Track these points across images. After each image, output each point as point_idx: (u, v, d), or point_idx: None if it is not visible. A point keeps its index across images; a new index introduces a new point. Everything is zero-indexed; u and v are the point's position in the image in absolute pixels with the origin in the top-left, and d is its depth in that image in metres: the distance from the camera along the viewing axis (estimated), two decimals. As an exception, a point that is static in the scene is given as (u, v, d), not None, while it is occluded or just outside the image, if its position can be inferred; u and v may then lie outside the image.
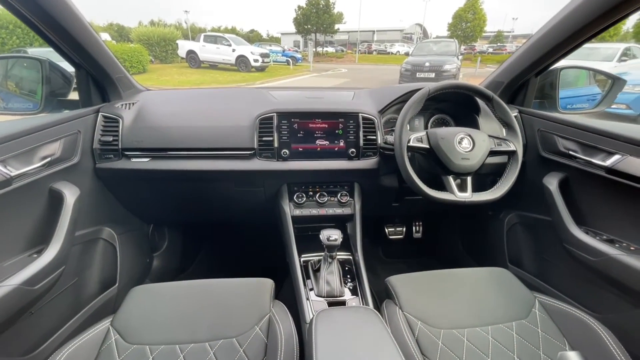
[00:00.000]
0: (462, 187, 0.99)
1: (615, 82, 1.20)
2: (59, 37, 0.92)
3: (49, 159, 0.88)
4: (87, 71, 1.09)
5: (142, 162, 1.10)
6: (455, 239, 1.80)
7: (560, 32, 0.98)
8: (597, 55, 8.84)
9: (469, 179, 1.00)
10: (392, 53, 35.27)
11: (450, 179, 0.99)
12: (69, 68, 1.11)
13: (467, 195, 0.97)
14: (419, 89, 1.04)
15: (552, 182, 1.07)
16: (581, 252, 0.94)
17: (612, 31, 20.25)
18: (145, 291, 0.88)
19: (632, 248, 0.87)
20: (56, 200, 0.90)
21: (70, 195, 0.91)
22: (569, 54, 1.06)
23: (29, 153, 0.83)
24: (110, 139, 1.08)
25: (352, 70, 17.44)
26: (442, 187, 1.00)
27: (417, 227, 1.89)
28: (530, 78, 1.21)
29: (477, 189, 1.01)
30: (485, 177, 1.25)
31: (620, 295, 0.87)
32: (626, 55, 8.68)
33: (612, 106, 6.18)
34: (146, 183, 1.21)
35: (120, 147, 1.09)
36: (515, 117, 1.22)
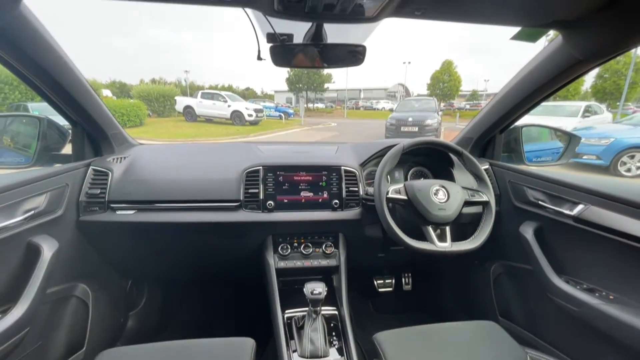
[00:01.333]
0: (441, 237, 1.02)
1: (571, 139, 1.33)
2: (57, 95, 0.99)
3: (32, 212, 0.88)
4: (83, 127, 1.15)
5: (127, 215, 1.10)
6: (445, 291, 1.76)
7: (514, 95, 1.11)
8: (562, 111, 9.75)
9: (447, 228, 1.03)
10: (378, 109, 37.94)
11: (430, 229, 1.02)
12: (63, 121, 1.17)
13: (447, 245, 0.99)
14: (396, 145, 1.12)
15: (527, 231, 1.12)
16: (564, 302, 0.95)
17: (573, 91, 22.56)
18: (114, 356, 0.82)
19: (611, 297, 0.88)
20: (33, 254, 0.88)
21: (48, 249, 0.89)
22: (525, 113, 1.19)
23: (12, 206, 0.84)
24: (98, 191, 1.10)
25: (341, 125, 18.48)
26: (423, 237, 1.02)
27: (407, 279, 1.85)
28: (495, 134, 1.34)
29: (458, 238, 1.04)
30: (466, 227, 1.29)
31: (607, 346, 0.86)
32: (588, 111, 9.60)
33: (584, 157, 6.65)
34: (130, 236, 1.19)
35: (107, 199, 1.10)
36: (487, 169, 1.31)
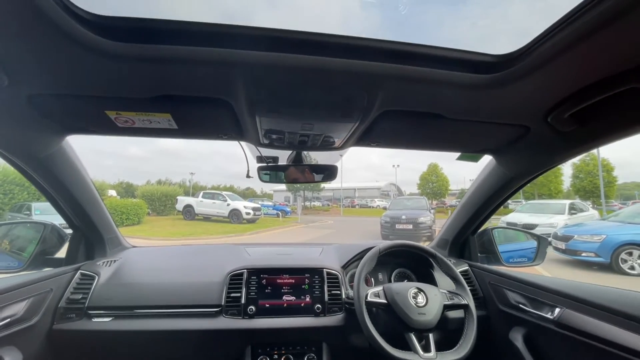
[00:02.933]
0: (426, 347, 0.98)
1: (540, 240, 1.42)
2: (67, 203, 1.11)
3: (7, 321, 0.87)
4: (82, 232, 1.23)
5: (103, 322, 1.07)
6: None
7: (472, 204, 1.26)
8: (549, 209, 10.16)
9: (430, 336, 1.00)
10: (373, 207, 39.20)
11: (413, 337, 0.99)
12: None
13: (431, 356, 0.94)
14: (374, 247, 1.20)
15: (517, 338, 1.08)
16: None
17: (554, 189, 23.92)
18: None
19: None
20: None
21: None
22: (487, 219, 1.32)
23: None
24: (80, 296, 1.10)
25: (338, 222, 18.73)
26: (408, 346, 0.98)
27: None
28: (468, 236, 1.43)
29: (448, 347, 0.99)
30: (453, 334, 1.24)
31: None
32: (574, 209, 10.00)
33: (583, 254, 6.57)
34: (101, 347, 1.12)
35: (86, 305, 1.09)
36: (466, 271, 1.35)
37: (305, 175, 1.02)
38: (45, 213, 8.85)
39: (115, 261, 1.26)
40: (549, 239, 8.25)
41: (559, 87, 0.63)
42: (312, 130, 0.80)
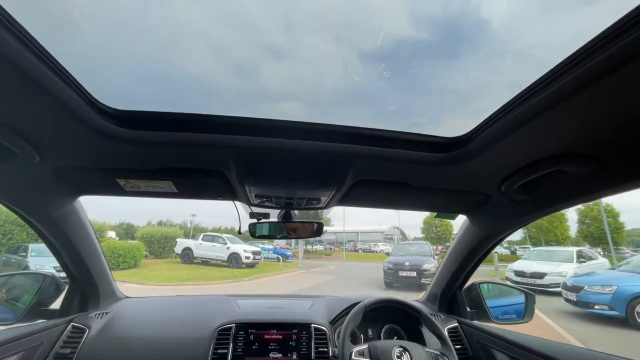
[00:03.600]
0: None
1: (527, 296, 1.42)
2: (68, 254, 1.16)
3: None
4: (79, 284, 1.28)
5: None
6: None
7: (454, 260, 1.30)
8: (557, 256, 9.86)
9: None
10: (376, 251, 38.14)
11: None
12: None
13: None
14: (360, 302, 1.22)
15: None
16: None
17: (561, 236, 23.37)
18: None
19: None
20: None
21: None
22: (472, 272, 1.35)
23: None
24: (68, 351, 1.11)
25: (340, 267, 18.13)
26: None
27: None
28: (456, 291, 1.44)
29: None
30: None
31: None
32: (582, 257, 9.70)
33: (596, 307, 6.25)
34: None
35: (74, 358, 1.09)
36: (456, 328, 1.34)
37: (294, 232, 1.10)
38: (41, 255, 8.74)
39: (107, 313, 1.29)
40: (559, 289, 7.89)
41: (502, 165, 0.74)
42: (295, 194, 0.90)
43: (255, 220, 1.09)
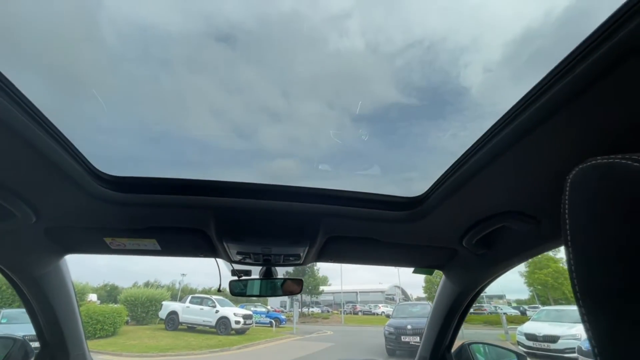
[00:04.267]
0: None
1: (518, 357, 1.37)
2: (45, 316, 1.12)
3: None
4: (50, 350, 1.22)
5: None
6: None
7: (437, 319, 1.29)
8: (568, 317, 9.27)
9: None
10: (377, 314, 35.54)
11: None
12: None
13: None
14: None
15: None
16: None
17: (569, 294, 22.28)
18: None
19: None
20: None
21: None
22: (457, 331, 1.32)
23: None
24: None
25: (338, 332, 16.71)
26: None
27: None
28: (445, 354, 1.39)
29: None
30: None
31: None
32: (593, 317, 9.14)
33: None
34: None
35: None
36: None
37: (273, 289, 1.11)
38: (12, 322, 8.05)
39: None
40: (575, 354, 7.26)
41: (457, 221, 0.82)
42: (271, 251, 0.96)
43: (236, 278, 1.11)
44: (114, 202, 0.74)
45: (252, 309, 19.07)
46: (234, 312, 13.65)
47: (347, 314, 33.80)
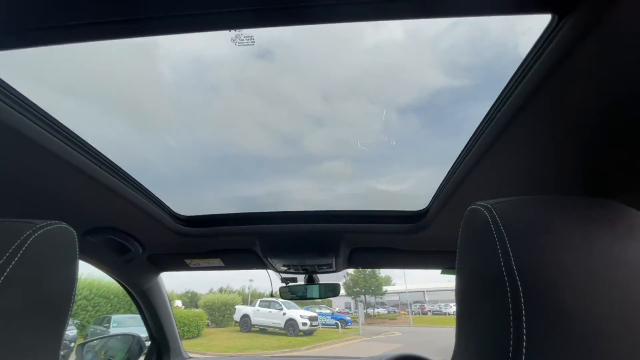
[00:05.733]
0: None
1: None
2: (152, 318, 1.51)
3: None
4: (157, 344, 1.61)
5: None
6: None
7: None
8: None
9: None
10: (449, 313, 33.50)
11: None
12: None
13: None
14: None
15: None
16: None
17: None
18: None
19: None
20: None
21: None
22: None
23: None
24: None
25: (406, 334, 16.28)
26: None
27: None
28: None
29: None
30: None
31: None
32: None
33: None
34: None
35: None
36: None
37: (315, 292, 1.32)
38: (121, 326, 9.75)
39: None
40: None
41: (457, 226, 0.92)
42: (305, 263, 1.17)
43: (284, 284, 1.35)
44: (188, 235, 1.04)
45: (316, 310, 19.69)
46: (300, 314, 14.31)
47: (415, 314, 32.53)
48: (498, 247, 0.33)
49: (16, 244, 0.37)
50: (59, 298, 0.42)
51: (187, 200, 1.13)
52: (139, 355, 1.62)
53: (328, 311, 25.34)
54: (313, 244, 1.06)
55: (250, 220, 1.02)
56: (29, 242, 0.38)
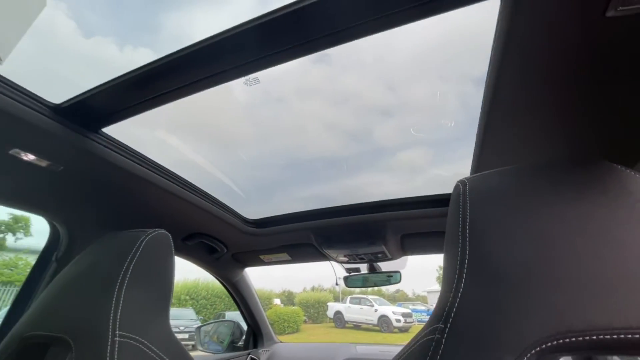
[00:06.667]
0: None
1: None
2: (244, 307, 1.82)
3: None
4: (252, 330, 1.92)
5: None
6: None
7: None
8: None
9: None
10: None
11: None
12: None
13: None
14: None
15: None
16: None
17: None
18: None
19: None
20: None
21: None
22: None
23: None
24: None
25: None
26: None
27: None
28: None
29: None
30: None
31: None
32: None
33: None
34: None
35: None
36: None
37: (375, 281, 1.38)
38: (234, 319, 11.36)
39: (268, 351, 1.84)
40: None
41: None
42: (358, 252, 1.25)
43: (347, 274, 1.46)
44: (258, 234, 1.26)
45: (410, 307, 18.99)
46: (392, 311, 14.06)
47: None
48: (460, 216, 0.38)
49: (137, 243, 0.58)
50: (164, 280, 0.62)
51: (261, 205, 1.35)
52: (240, 338, 1.95)
53: (423, 308, 24.04)
54: (359, 233, 1.14)
55: (305, 217, 1.18)
56: (144, 243, 0.59)
